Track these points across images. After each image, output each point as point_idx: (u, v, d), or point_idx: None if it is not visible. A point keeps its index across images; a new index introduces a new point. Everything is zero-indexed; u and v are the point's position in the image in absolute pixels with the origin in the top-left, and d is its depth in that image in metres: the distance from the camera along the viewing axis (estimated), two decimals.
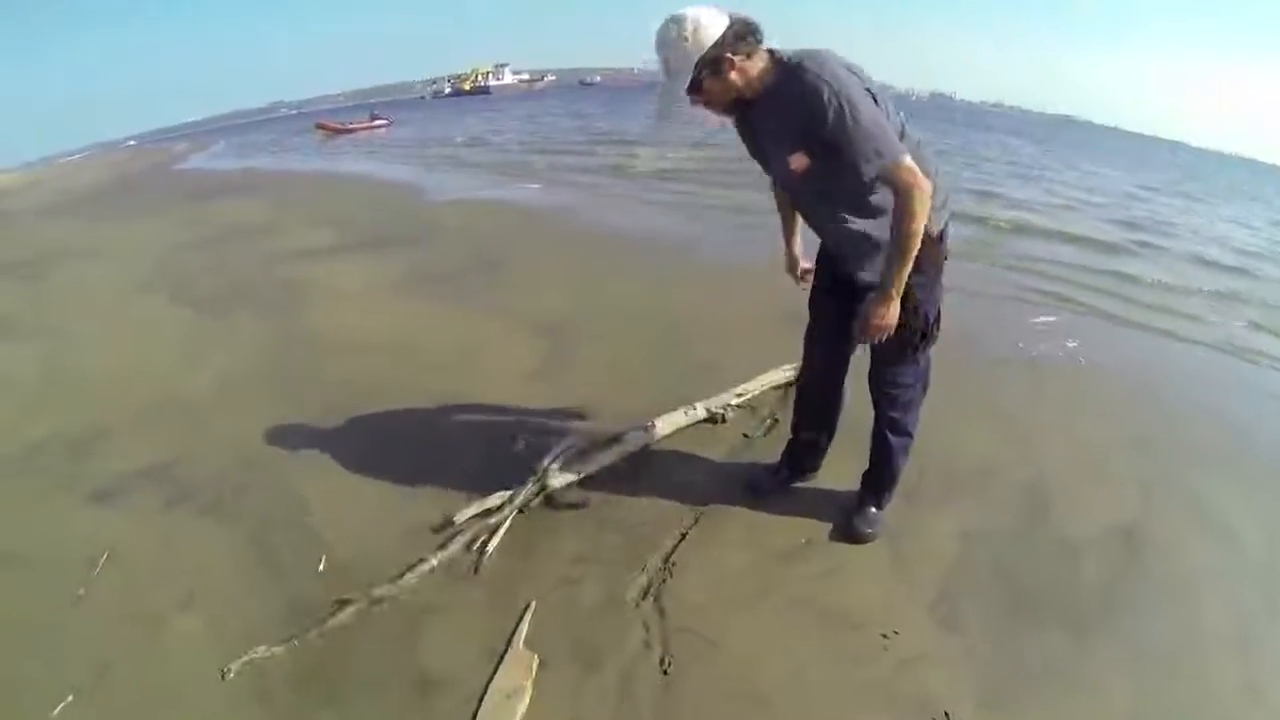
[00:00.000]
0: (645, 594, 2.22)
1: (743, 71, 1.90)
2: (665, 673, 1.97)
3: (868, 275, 2.12)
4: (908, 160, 1.86)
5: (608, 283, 5.47)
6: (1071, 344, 4.50)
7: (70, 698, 2.03)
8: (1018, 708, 1.91)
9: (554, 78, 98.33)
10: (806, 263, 2.49)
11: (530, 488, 2.47)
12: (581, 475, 2.62)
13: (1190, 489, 2.92)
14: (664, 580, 2.28)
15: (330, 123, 30.21)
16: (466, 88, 72.16)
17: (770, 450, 2.88)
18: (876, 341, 2.14)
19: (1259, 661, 2.11)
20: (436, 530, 2.47)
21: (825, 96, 1.80)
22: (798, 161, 1.96)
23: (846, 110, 1.80)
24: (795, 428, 2.69)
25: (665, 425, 2.94)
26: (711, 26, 1.85)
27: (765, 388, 3.33)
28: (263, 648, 2.10)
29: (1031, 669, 2.03)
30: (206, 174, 16.82)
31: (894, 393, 2.33)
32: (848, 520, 2.50)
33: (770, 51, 1.93)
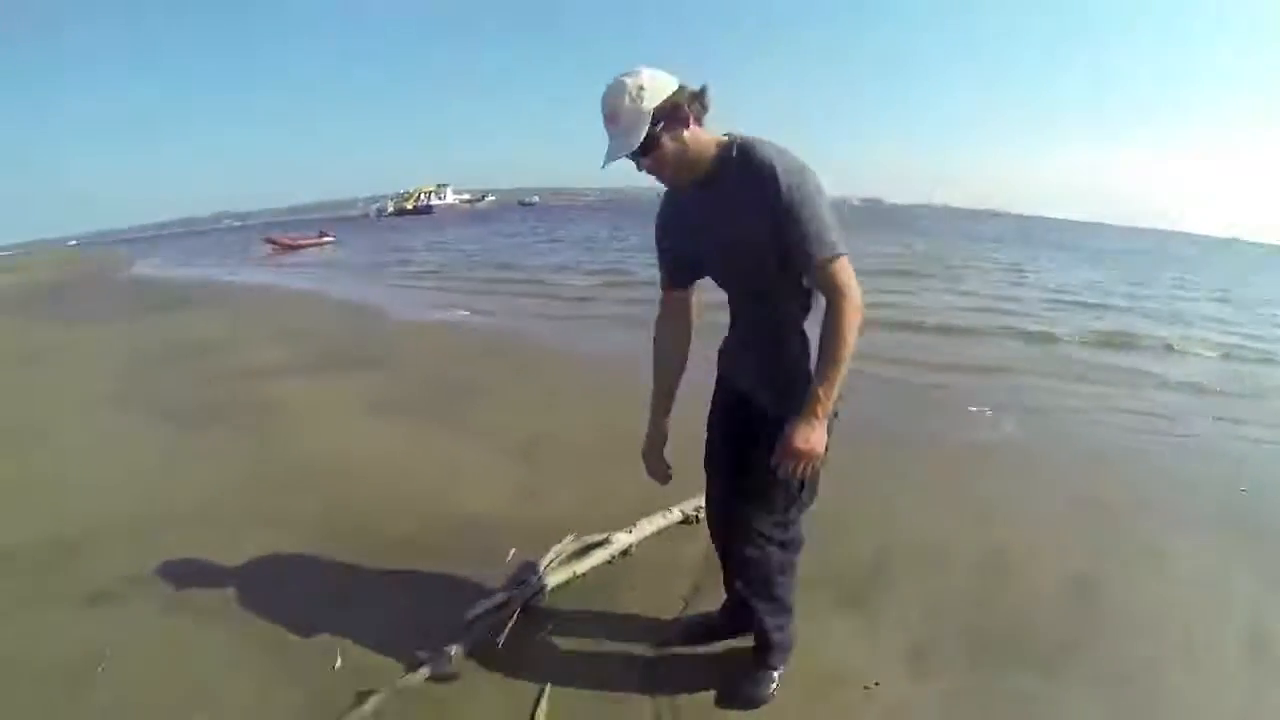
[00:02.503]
0: (650, 675, 2.43)
1: (695, 137, 1.83)
2: None
3: (771, 401, 2.02)
4: (847, 258, 1.82)
5: (573, 401, 5.79)
6: (1009, 427, 5.06)
7: None
8: None
9: (494, 198, 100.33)
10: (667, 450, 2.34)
11: (532, 585, 2.69)
12: (576, 574, 2.87)
13: (1134, 537, 3.35)
14: (667, 662, 2.49)
15: (279, 238, 30.32)
16: (409, 207, 73.10)
17: None
18: (797, 474, 1.91)
19: (1207, 674, 2.46)
20: (449, 629, 2.58)
21: (780, 170, 1.78)
22: (745, 233, 1.87)
23: (800, 185, 1.78)
24: (727, 583, 2.47)
25: (647, 527, 3.22)
26: (666, 81, 1.79)
27: None
28: None
29: (1008, 705, 2.30)
30: (159, 283, 16.94)
31: (752, 552, 2.11)
32: (739, 684, 2.32)
33: (724, 134, 1.90)
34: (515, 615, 2.57)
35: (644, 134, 1.75)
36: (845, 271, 1.80)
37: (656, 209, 2.13)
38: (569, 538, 3.01)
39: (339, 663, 2.52)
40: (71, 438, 5.09)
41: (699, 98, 1.81)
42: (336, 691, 2.36)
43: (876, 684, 2.36)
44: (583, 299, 12.29)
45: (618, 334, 8.74)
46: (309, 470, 4.38)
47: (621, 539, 3.07)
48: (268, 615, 2.83)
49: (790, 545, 2.16)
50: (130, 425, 5.39)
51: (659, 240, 2.17)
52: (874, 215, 68.91)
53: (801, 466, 1.88)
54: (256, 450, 4.79)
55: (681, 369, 2.29)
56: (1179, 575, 3.08)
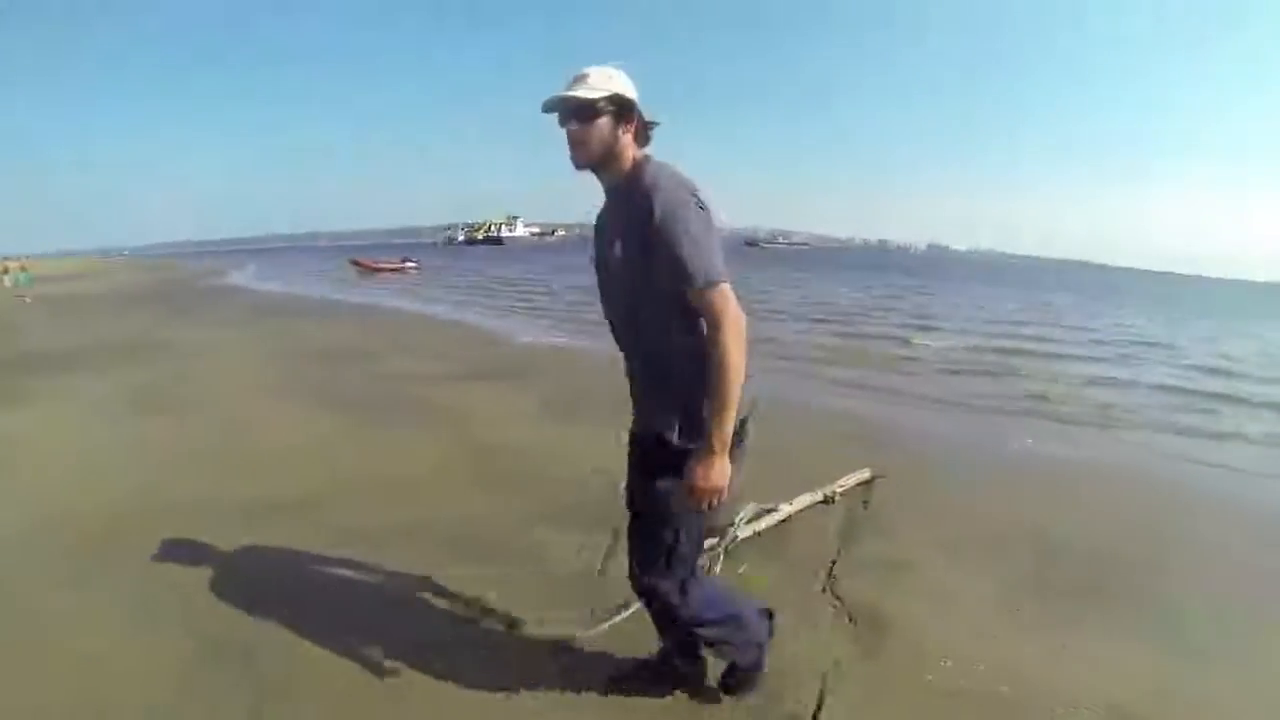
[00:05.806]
0: (824, 589, 3.17)
1: (626, 143, 1.88)
2: (853, 622, 2.88)
3: (658, 426, 1.93)
4: (727, 286, 1.75)
5: None
6: (1077, 450, 5.86)
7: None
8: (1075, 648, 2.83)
9: (564, 233, 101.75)
10: None
11: (730, 536, 3.46)
12: (755, 531, 3.63)
13: (1165, 534, 4.09)
14: (834, 577, 3.26)
15: (365, 261, 31.16)
16: (479, 236, 75.01)
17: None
18: (707, 508, 1.86)
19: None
20: None
21: (658, 193, 1.76)
22: (619, 249, 1.90)
23: (677, 210, 1.74)
24: None
25: (799, 503, 3.98)
26: (633, 90, 1.88)
27: (853, 484, 4.35)
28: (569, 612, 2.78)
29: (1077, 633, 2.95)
30: (259, 294, 17.83)
31: (657, 606, 2.09)
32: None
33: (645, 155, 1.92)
34: (721, 555, 3.35)
35: (596, 98, 1.82)
36: (723, 299, 1.74)
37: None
38: (751, 505, 3.72)
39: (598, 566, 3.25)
40: (261, 416, 5.67)
41: (647, 125, 1.93)
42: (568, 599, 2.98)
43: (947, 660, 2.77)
44: None
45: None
46: (506, 456, 4.96)
47: (785, 509, 3.84)
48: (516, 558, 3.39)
49: (681, 591, 2.02)
50: (311, 412, 5.96)
51: (594, 242, 2.08)
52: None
53: (706, 501, 1.83)
54: (449, 439, 5.34)
55: None
56: (1191, 560, 3.79)
